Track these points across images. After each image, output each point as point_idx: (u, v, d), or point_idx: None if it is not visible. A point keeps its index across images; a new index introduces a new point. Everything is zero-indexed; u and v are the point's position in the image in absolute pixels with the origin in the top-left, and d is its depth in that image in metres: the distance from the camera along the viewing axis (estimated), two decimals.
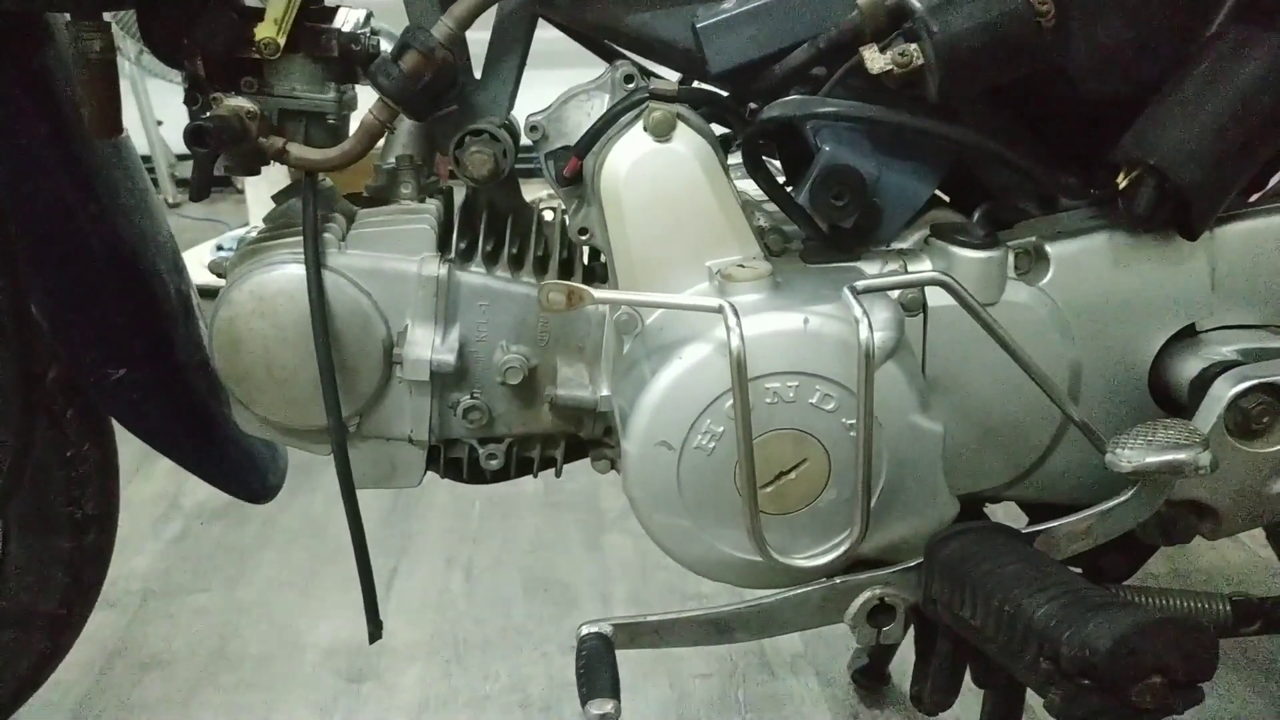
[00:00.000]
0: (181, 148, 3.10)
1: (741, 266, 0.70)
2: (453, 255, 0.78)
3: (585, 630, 0.70)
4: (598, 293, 0.66)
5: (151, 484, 1.56)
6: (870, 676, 1.14)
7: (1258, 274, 0.76)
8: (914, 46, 0.68)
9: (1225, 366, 0.72)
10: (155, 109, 2.94)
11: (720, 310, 0.63)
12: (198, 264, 2.20)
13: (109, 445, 0.93)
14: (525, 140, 0.79)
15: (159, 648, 1.23)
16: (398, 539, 1.44)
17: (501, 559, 1.41)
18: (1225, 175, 0.71)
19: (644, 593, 1.33)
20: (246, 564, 1.40)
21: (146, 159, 2.96)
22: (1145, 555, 0.83)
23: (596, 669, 0.65)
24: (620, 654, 0.70)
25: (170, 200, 3.01)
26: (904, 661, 1.15)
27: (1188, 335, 0.76)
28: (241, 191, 2.70)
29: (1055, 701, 0.57)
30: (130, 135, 0.84)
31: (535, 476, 0.86)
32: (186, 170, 3.15)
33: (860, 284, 0.64)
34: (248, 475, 0.92)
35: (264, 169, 0.78)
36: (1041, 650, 0.57)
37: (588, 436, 0.82)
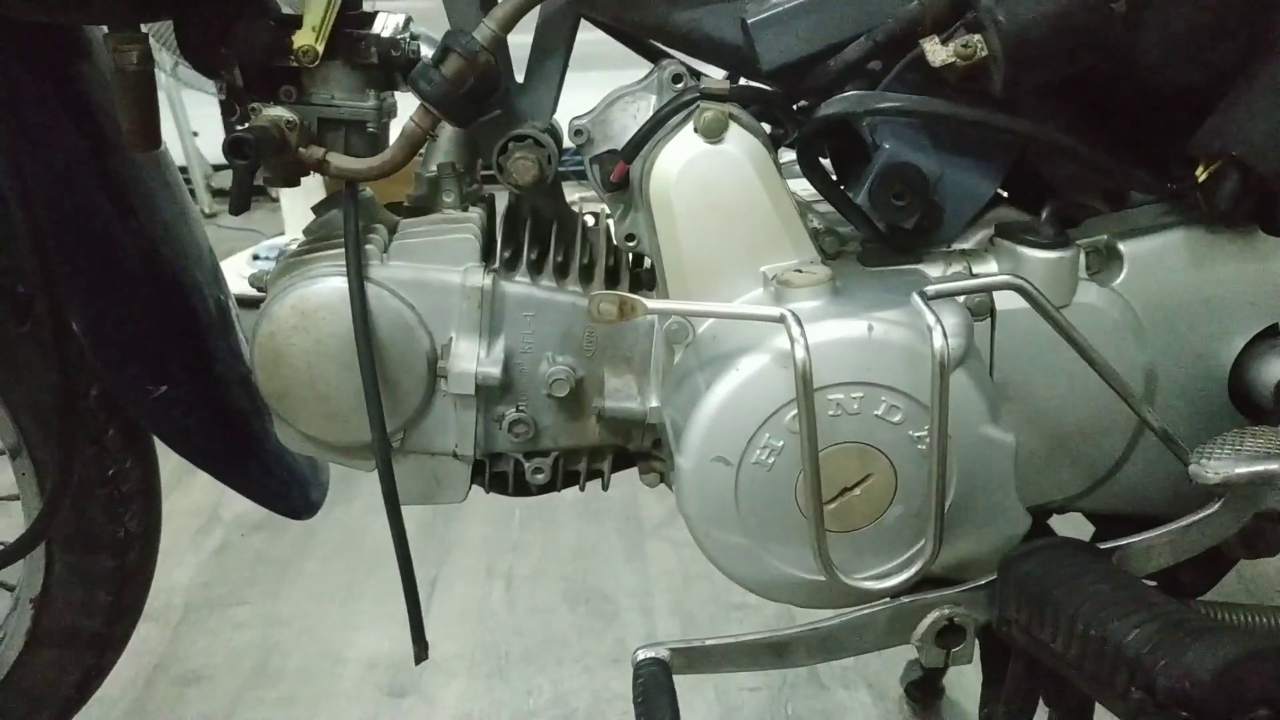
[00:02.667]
0: (218, 158, 3.12)
1: (799, 271, 0.67)
2: (497, 265, 0.76)
3: (641, 655, 0.67)
4: (651, 303, 0.64)
5: (191, 496, 1.56)
6: (924, 690, 1.10)
7: None
8: (978, 37, 0.65)
9: None
10: (191, 120, 2.97)
11: (782, 319, 0.60)
12: (235, 274, 2.21)
13: (151, 463, 0.92)
14: (568, 144, 0.76)
15: (200, 662, 1.23)
16: (437, 548, 1.43)
17: (542, 569, 1.39)
18: None
19: (686, 603, 1.30)
20: (286, 576, 1.39)
21: (183, 170, 2.96)
22: (1225, 568, 0.79)
23: (655, 697, 0.63)
24: None
25: (207, 210, 3.04)
26: (958, 673, 1.12)
27: (1271, 336, 0.72)
28: (277, 200, 2.71)
29: None
30: (168, 147, 0.83)
31: (582, 490, 0.84)
32: (223, 181, 3.18)
33: (931, 289, 0.60)
34: (289, 491, 0.91)
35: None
36: (1133, 679, 0.54)
37: (636, 449, 0.80)
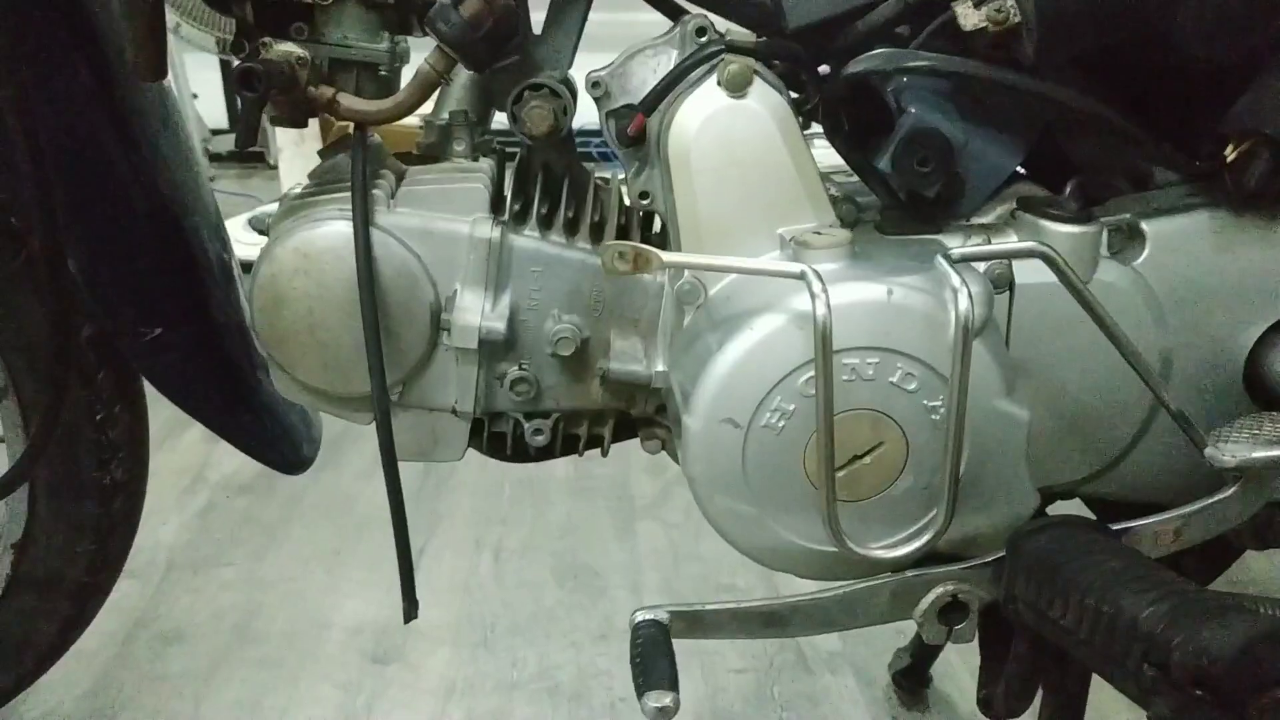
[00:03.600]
0: (216, 122, 3.04)
1: (818, 233, 0.66)
2: (506, 217, 0.74)
3: (640, 617, 0.66)
4: (666, 255, 0.62)
5: (177, 456, 1.54)
6: (911, 678, 1.09)
7: None
8: (1011, 2, 0.63)
9: None
10: (191, 82, 2.92)
11: (802, 276, 0.58)
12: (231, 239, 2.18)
13: (140, 410, 0.90)
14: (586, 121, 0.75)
15: (182, 620, 1.21)
16: (426, 519, 1.41)
17: (531, 543, 1.38)
18: None
19: (675, 583, 1.29)
20: (272, 539, 1.37)
21: None
22: (1231, 559, 0.78)
23: (653, 658, 0.61)
24: None
25: None
26: (945, 663, 1.11)
27: None
28: (275, 167, 2.68)
29: (1163, 713, 0.52)
30: (174, 85, 0.81)
31: (581, 455, 0.83)
32: (220, 145, 3.14)
33: (956, 252, 0.59)
34: (281, 444, 0.89)
35: (294, 147, 0.74)
36: (1146, 656, 0.53)
37: (639, 414, 0.78)
